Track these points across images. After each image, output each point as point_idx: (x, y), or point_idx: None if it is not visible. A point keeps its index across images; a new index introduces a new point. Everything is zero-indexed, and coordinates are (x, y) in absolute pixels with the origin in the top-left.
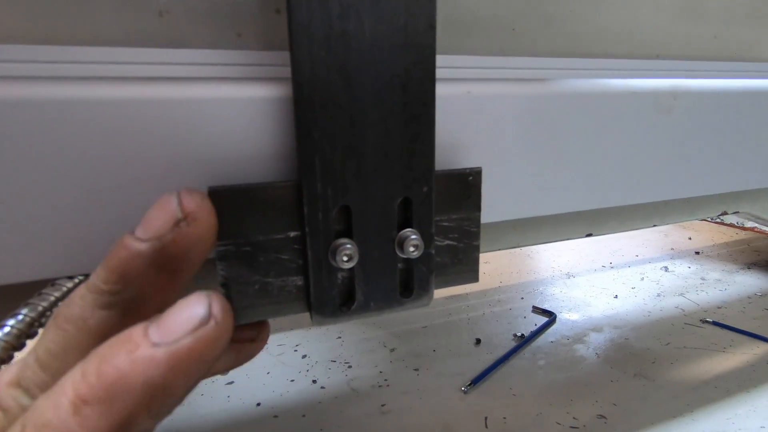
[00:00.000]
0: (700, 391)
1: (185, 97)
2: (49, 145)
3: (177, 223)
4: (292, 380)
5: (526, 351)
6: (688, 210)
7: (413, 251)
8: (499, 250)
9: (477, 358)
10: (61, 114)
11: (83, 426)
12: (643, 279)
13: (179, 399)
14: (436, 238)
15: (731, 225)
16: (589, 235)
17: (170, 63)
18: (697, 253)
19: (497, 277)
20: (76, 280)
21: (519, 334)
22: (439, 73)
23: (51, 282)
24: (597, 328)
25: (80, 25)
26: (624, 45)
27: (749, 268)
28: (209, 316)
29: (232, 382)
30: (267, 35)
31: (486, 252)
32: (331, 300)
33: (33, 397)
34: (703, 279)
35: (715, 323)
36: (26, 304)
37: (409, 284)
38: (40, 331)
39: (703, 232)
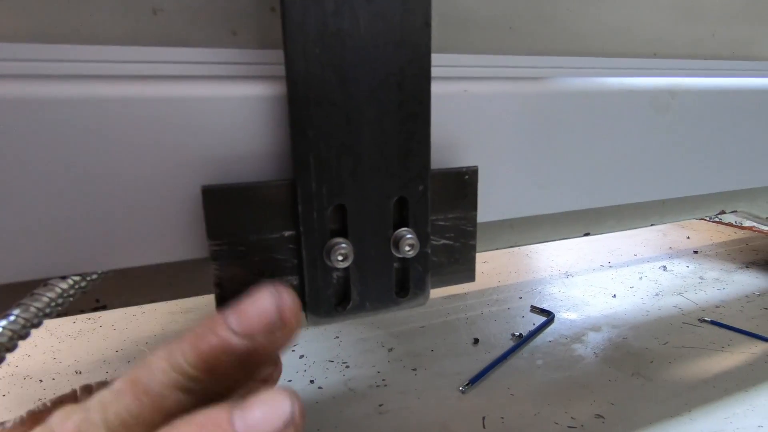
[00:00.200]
0: (699, 390)
1: (179, 95)
2: (43, 143)
3: (273, 330)
4: (290, 380)
5: (525, 350)
6: (687, 209)
7: (409, 251)
8: (497, 249)
9: (475, 357)
10: (53, 113)
11: None
12: (641, 278)
13: None
14: (432, 237)
15: (729, 224)
16: (587, 234)
17: (164, 61)
18: (696, 252)
19: (495, 277)
20: (70, 281)
21: (517, 333)
22: (435, 71)
23: (43, 282)
24: (595, 328)
25: (73, 24)
26: (621, 43)
27: (747, 267)
28: (292, 419)
29: None
30: (262, 33)
31: (483, 251)
32: (327, 300)
33: None
34: (701, 278)
35: (713, 322)
36: (18, 305)
37: (405, 284)
38: (33, 332)
39: (701, 232)
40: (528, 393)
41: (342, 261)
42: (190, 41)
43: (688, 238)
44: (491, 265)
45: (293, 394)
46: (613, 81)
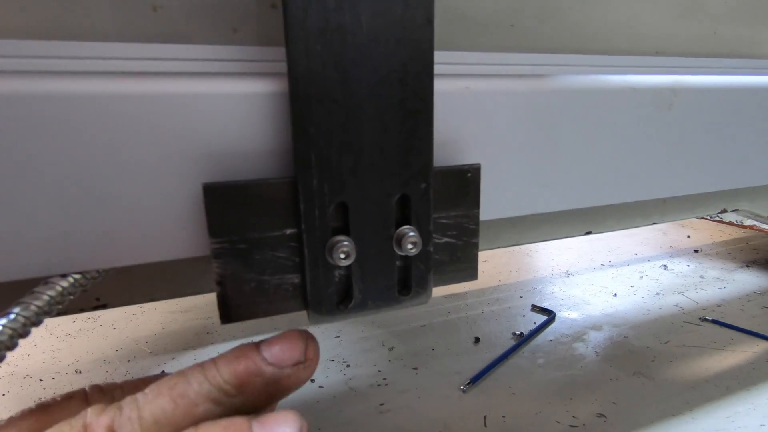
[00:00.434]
0: (700, 389)
1: (180, 92)
2: (43, 140)
3: (297, 364)
4: None
5: (526, 350)
6: (688, 207)
7: (411, 248)
8: (498, 248)
9: (476, 356)
10: (53, 109)
11: None
12: (642, 277)
13: None
14: (434, 235)
15: (730, 223)
16: (589, 232)
17: (164, 58)
18: (696, 251)
19: (496, 276)
20: (71, 279)
21: (518, 332)
22: (437, 68)
23: (44, 280)
24: (596, 327)
25: (73, 20)
26: (623, 41)
27: (748, 266)
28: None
29: None
30: (263, 30)
31: (485, 250)
32: (328, 298)
33: None
34: (702, 277)
35: (714, 321)
36: (19, 303)
37: (407, 282)
38: (33, 330)
39: (702, 231)
40: (529, 392)
41: (344, 259)
42: (191, 38)
43: (689, 237)
44: (492, 264)
45: (301, 416)
46: (615, 78)
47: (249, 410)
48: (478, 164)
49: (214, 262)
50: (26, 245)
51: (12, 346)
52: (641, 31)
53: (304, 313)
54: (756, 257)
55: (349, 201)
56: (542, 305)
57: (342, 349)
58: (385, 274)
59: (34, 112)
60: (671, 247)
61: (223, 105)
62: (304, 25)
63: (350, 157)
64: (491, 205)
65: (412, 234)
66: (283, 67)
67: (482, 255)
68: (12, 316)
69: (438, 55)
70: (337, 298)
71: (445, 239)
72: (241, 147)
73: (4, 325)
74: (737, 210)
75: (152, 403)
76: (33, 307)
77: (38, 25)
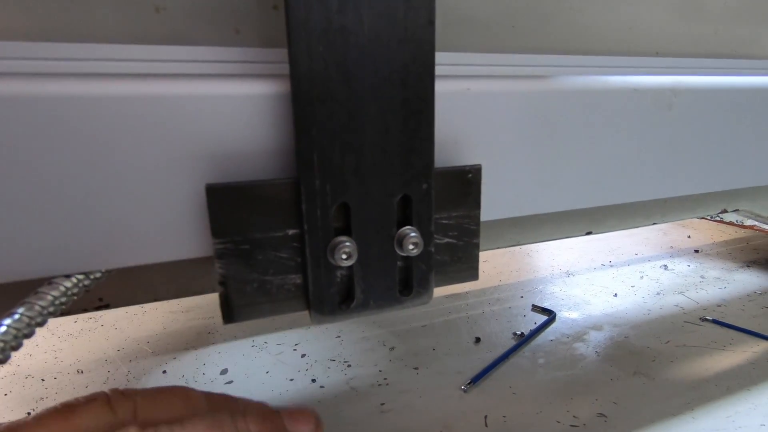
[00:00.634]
0: (701, 389)
1: (182, 93)
2: (47, 141)
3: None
4: (291, 379)
5: (526, 349)
6: (689, 208)
7: (413, 249)
8: (499, 248)
9: (476, 356)
10: (57, 111)
11: None
12: (642, 277)
13: None
14: (435, 235)
15: (730, 223)
16: (590, 233)
17: (167, 60)
18: (697, 251)
19: (496, 276)
20: (74, 279)
21: (519, 332)
22: (438, 69)
23: (48, 280)
24: (597, 327)
25: (76, 22)
26: (624, 42)
27: (748, 267)
28: None
29: (231, 382)
30: (265, 32)
31: (486, 250)
32: (330, 298)
33: None
34: (702, 277)
35: (714, 321)
36: (23, 303)
37: (409, 282)
38: (37, 330)
39: (702, 231)
40: (530, 392)
41: (346, 259)
42: (193, 39)
43: (689, 237)
44: (492, 264)
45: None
46: (616, 79)
47: None
48: (479, 165)
49: (217, 262)
50: (30, 246)
51: (17, 346)
52: (642, 31)
53: (305, 312)
54: (756, 257)
55: (351, 201)
56: (543, 305)
57: (343, 349)
58: (386, 274)
59: (38, 114)
60: (671, 247)
61: (226, 106)
62: (307, 26)
63: (352, 157)
64: (492, 206)
65: (413, 234)
66: (284, 68)
67: (482, 255)
68: (16, 316)
69: (439, 56)
70: (339, 298)
71: (446, 240)
72: (244, 148)
73: (8, 326)
74: (738, 210)
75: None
76: (37, 308)
77: (42, 27)
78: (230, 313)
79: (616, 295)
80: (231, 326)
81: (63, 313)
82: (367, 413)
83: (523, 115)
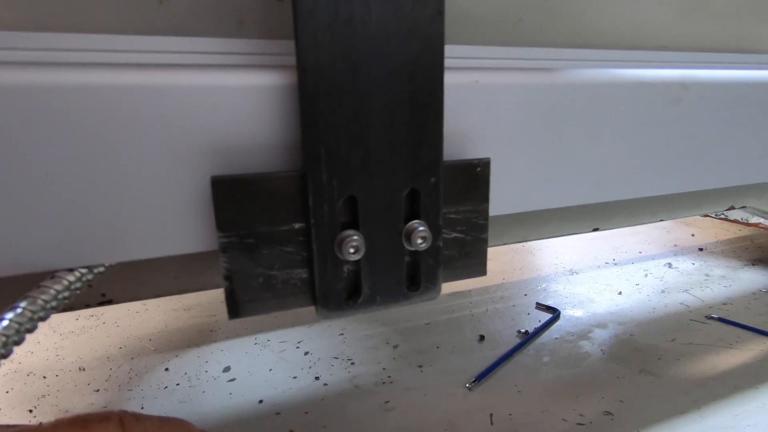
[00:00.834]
0: (708, 387)
1: (186, 85)
2: (49, 133)
3: None
4: (295, 377)
5: (531, 348)
6: (696, 204)
7: (421, 243)
8: (505, 244)
9: (481, 354)
10: (60, 101)
11: None
12: (646, 275)
13: None
14: (443, 230)
15: (735, 221)
16: (596, 229)
17: (170, 51)
18: (701, 249)
19: (500, 274)
20: (77, 273)
21: (523, 330)
22: (447, 62)
23: (50, 274)
24: (601, 325)
25: (79, 12)
26: (632, 35)
27: (753, 265)
28: None
29: (234, 379)
30: (269, 23)
31: (492, 246)
32: (337, 293)
33: None
34: (707, 275)
35: (720, 319)
36: (25, 297)
37: (416, 277)
38: (39, 325)
39: (706, 229)
40: (535, 390)
41: (353, 254)
42: (197, 31)
43: (693, 235)
44: (496, 262)
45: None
46: (625, 72)
47: None
48: (488, 158)
49: (222, 256)
50: (32, 239)
51: (19, 340)
52: (650, 24)
53: (309, 308)
54: (761, 255)
55: (358, 195)
56: (547, 303)
57: (346, 347)
58: (394, 269)
59: (40, 104)
60: (675, 246)
61: (231, 98)
62: (314, 16)
63: (360, 150)
64: (499, 200)
65: (422, 229)
66: (290, 60)
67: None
68: (19, 310)
69: (447, 49)
70: (346, 293)
71: (455, 234)
72: (249, 140)
73: (11, 319)
74: (745, 207)
75: None
76: (40, 302)
77: (45, 17)
78: (235, 308)
79: (620, 293)
80: (233, 324)
81: (65, 309)
82: (371, 411)
83: (531, 108)
